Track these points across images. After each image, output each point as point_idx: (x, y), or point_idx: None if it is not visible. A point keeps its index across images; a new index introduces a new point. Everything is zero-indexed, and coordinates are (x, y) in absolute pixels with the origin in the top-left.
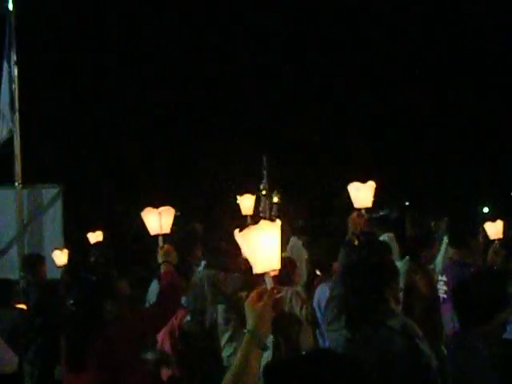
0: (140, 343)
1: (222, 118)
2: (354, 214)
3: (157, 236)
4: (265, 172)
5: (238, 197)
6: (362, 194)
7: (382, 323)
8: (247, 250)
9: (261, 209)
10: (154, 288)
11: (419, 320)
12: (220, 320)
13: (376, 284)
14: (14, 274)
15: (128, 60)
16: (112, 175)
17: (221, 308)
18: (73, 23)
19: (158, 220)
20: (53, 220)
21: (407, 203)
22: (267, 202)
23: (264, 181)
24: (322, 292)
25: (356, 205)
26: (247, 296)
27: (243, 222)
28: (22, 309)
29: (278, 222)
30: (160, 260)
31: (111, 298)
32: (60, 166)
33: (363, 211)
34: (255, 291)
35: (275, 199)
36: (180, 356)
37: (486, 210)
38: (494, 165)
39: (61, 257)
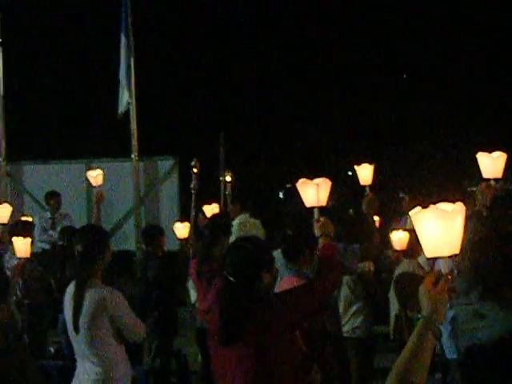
0: (300, 319)
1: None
2: (483, 185)
3: (312, 208)
4: (221, 149)
5: (356, 167)
6: (492, 163)
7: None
8: (421, 232)
9: (192, 186)
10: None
11: None
12: (347, 292)
13: (508, 258)
14: (130, 246)
15: (239, 28)
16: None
17: (348, 279)
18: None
19: (316, 192)
20: (169, 192)
21: None
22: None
23: (195, 159)
24: (446, 264)
25: (485, 175)
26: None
27: (362, 193)
28: (140, 280)
29: (461, 204)
30: (318, 233)
31: (267, 270)
32: (176, 138)
33: (492, 182)
34: (430, 276)
35: (228, 178)
36: (303, 330)
37: None
38: None
39: (182, 229)
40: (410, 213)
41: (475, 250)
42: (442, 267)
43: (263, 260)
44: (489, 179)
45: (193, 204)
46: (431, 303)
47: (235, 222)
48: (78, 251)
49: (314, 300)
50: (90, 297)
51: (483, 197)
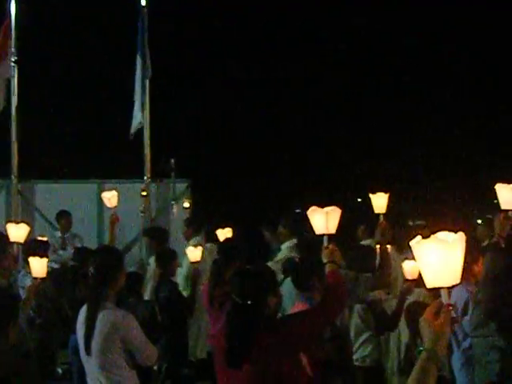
0: (304, 344)
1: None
2: (501, 216)
3: (321, 236)
4: (172, 174)
5: (371, 195)
6: (510, 195)
7: None
8: (421, 262)
9: (141, 209)
10: (285, 288)
11: None
12: (357, 320)
13: None
14: (140, 268)
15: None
16: (244, 171)
17: (358, 308)
18: (207, 17)
19: (325, 220)
20: (181, 215)
21: None
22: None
23: (144, 181)
24: (459, 294)
25: (503, 206)
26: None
27: (375, 221)
28: (149, 303)
29: (462, 234)
30: (325, 260)
31: (273, 295)
32: (190, 160)
33: (510, 213)
34: (430, 307)
35: (186, 204)
36: (312, 357)
37: None
38: None
39: (195, 252)
40: (411, 243)
41: (493, 282)
42: (443, 298)
43: (270, 284)
44: (507, 210)
45: (141, 227)
46: (433, 335)
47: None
48: (92, 273)
49: (316, 325)
50: (102, 319)
51: (501, 228)
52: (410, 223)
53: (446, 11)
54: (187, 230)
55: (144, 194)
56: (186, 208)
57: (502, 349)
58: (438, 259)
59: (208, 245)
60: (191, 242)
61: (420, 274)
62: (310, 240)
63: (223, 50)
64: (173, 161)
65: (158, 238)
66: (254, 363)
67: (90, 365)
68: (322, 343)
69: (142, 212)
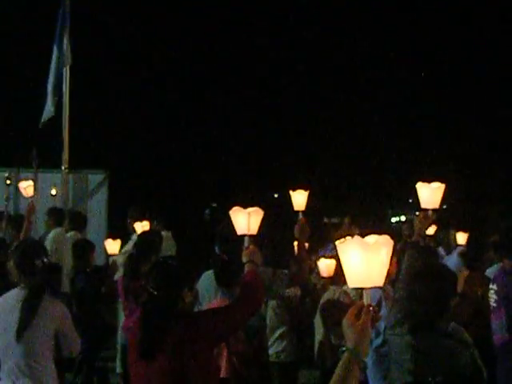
0: (219, 340)
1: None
2: (421, 215)
3: (243, 236)
4: (34, 164)
5: (291, 192)
6: (431, 194)
7: (446, 332)
8: (344, 262)
9: (5, 197)
10: (204, 282)
11: (466, 326)
12: (272, 316)
13: (442, 292)
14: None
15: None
16: (163, 165)
17: (274, 304)
18: (127, 12)
19: (247, 220)
20: (98, 206)
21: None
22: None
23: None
24: (372, 292)
25: (423, 205)
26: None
27: (295, 218)
28: (67, 294)
29: (387, 237)
30: (244, 260)
31: (188, 289)
32: (108, 152)
33: (430, 212)
34: (352, 308)
35: (53, 192)
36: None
37: None
38: None
39: (113, 245)
40: (336, 242)
41: (411, 282)
42: (365, 299)
43: (186, 279)
44: (427, 209)
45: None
46: (355, 336)
47: (50, 236)
48: (48, 263)
49: (232, 322)
50: (43, 309)
51: (421, 227)
52: (326, 221)
53: None
54: (48, 219)
55: (8, 182)
56: (53, 195)
57: (416, 348)
58: (360, 260)
59: (71, 233)
60: (52, 233)
61: (335, 272)
62: (228, 236)
63: (145, 41)
64: (35, 150)
65: (19, 227)
66: (167, 355)
67: (14, 352)
68: (240, 338)
69: (5, 200)
